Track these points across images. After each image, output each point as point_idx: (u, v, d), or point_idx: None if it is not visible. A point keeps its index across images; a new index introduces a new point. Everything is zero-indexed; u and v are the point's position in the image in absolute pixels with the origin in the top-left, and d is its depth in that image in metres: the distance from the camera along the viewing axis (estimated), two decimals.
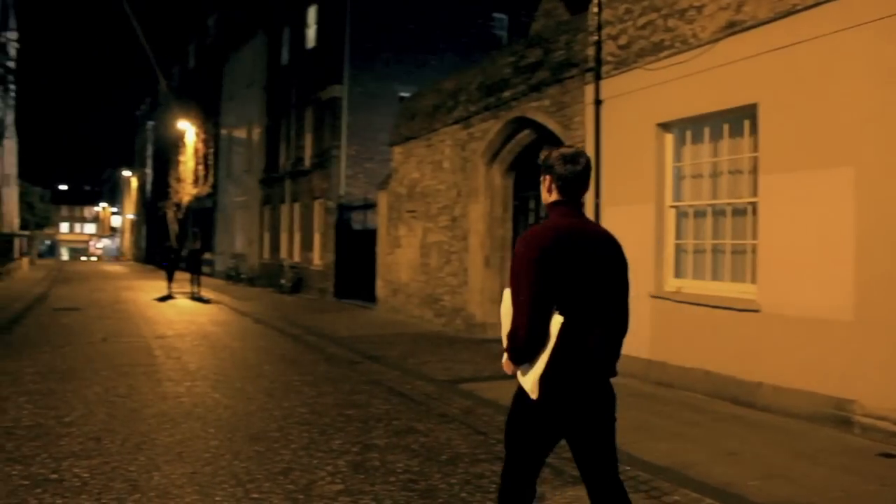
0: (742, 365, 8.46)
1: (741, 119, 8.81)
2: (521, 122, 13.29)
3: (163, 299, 22.86)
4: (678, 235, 9.87)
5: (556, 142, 12.07)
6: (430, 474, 5.99)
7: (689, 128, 9.64)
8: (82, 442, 6.78)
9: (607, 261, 3.53)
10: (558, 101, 11.88)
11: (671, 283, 9.81)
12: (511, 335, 3.47)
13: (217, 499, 5.34)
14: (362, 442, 6.89)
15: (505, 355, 3.58)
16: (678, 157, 9.85)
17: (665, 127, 9.84)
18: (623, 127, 10.43)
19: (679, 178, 9.88)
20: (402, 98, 21.38)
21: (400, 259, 17.92)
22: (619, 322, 3.59)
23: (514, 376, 3.65)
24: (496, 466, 6.19)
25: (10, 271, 33.85)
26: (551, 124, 12.09)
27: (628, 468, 6.08)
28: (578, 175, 3.59)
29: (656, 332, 9.77)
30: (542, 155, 3.73)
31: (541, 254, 3.36)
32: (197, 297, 23.14)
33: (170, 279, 24.82)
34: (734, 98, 8.66)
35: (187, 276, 24.26)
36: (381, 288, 19.07)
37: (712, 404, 8.52)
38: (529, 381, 3.45)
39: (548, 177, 3.66)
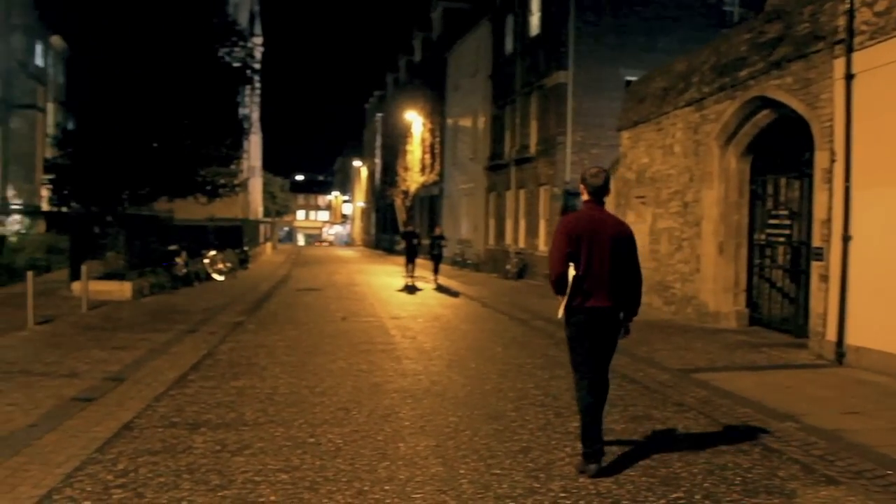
0: None
1: None
2: (760, 102, 12.62)
3: (408, 290, 21.68)
4: None
5: (798, 121, 11.37)
6: (670, 462, 5.87)
7: None
8: (333, 411, 7.26)
9: (614, 239, 5.66)
10: (802, 78, 11.15)
11: None
12: (549, 277, 5.78)
13: (461, 471, 5.54)
14: None
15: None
16: None
17: None
18: (880, 103, 9.62)
19: None
20: (629, 82, 20.93)
21: None
22: (633, 279, 5.84)
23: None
24: (740, 458, 5.98)
25: (257, 255, 36.72)
26: (794, 103, 11.38)
27: (889, 472, 5.65)
28: (600, 185, 5.77)
29: None
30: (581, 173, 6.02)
31: (566, 231, 5.65)
32: (441, 288, 22.39)
33: (411, 266, 23.92)
34: None
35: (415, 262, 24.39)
36: None
37: None
38: (560, 308, 5.73)
39: (582, 185, 5.88)
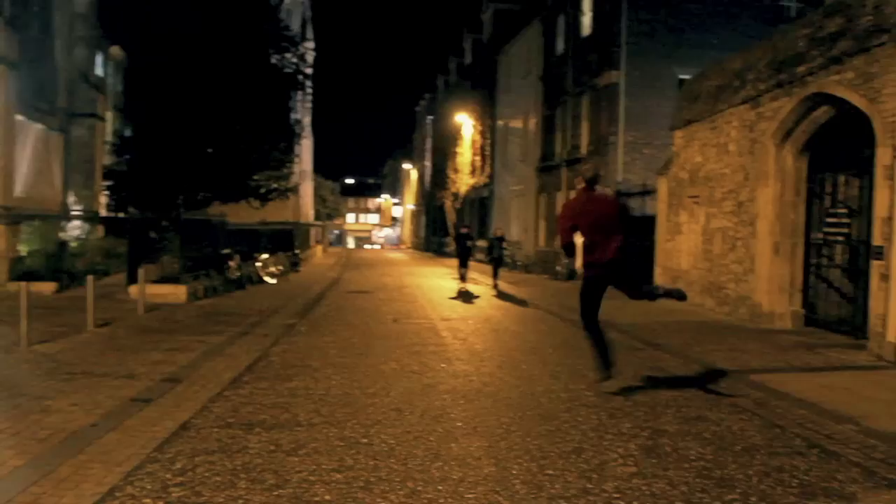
0: None
1: None
2: (818, 99, 12.38)
3: (462, 296, 20.18)
4: None
5: (859, 117, 11.12)
6: (725, 463, 5.79)
7: None
8: (385, 412, 7.30)
9: (605, 212, 7.79)
10: (864, 73, 10.90)
11: None
12: (560, 243, 8.02)
13: (514, 472, 5.53)
14: (651, 427, 6.80)
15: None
16: None
17: None
18: None
19: None
20: (682, 81, 20.73)
21: (680, 246, 17.42)
22: (619, 239, 7.70)
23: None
24: (797, 461, 5.87)
25: (308, 258, 37.10)
26: (855, 99, 11.13)
27: None
28: (591, 177, 7.96)
29: None
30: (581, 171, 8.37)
31: (568, 210, 7.95)
32: (502, 294, 21.03)
33: (464, 271, 22.61)
34: None
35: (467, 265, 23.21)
36: (659, 275, 18.66)
37: None
38: (577, 263, 7.86)
39: (579, 177, 8.08)
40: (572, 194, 28.61)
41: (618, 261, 7.70)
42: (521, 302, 19.00)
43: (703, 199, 16.30)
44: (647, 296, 8.36)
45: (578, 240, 7.78)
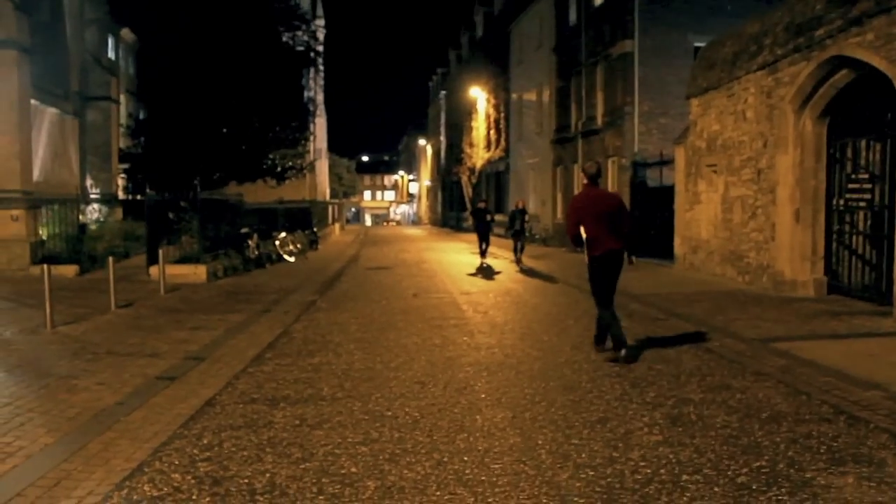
0: None
1: None
2: (838, 62, 12.19)
3: (483, 272, 19.82)
4: None
5: (880, 80, 10.95)
6: (751, 431, 5.76)
7: None
8: (408, 385, 7.32)
9: (610, 206, 8.39)
10: (885, 34, 10.70)
11: None
12: (568, 236, 8.77)
13: (539, 441, 5.53)
14: (676, 396, 6.78)
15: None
16: None
17: None
18: None
19: None
20: (697, 48, 20.46)
21: (699, 215, 17.29)
22: (624, 231, 8.36)
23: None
24: (825, 427, 5.83)
25: (325, 236, 37.16)
26: (876, 61, 10.95)
27: None
28: (593, 173, 8.54)
29: None
30: (583, 167, 8.94)
31: (575, 207, 8.60)
32: (526, 269, 20.42)
33: (484, 246, 22.18)
34: None
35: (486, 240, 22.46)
36: (679, 245, 18.55)
37: None
38: (585, 255, 8.44)
39: (582, 173, 8.65)
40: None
41: (618, 252, 8.36)
42: (541, 275, 18.94)
43: (722, 167, 16.15)
44: (606, 317, 8.53)
45: (583, 233, 8.31)
